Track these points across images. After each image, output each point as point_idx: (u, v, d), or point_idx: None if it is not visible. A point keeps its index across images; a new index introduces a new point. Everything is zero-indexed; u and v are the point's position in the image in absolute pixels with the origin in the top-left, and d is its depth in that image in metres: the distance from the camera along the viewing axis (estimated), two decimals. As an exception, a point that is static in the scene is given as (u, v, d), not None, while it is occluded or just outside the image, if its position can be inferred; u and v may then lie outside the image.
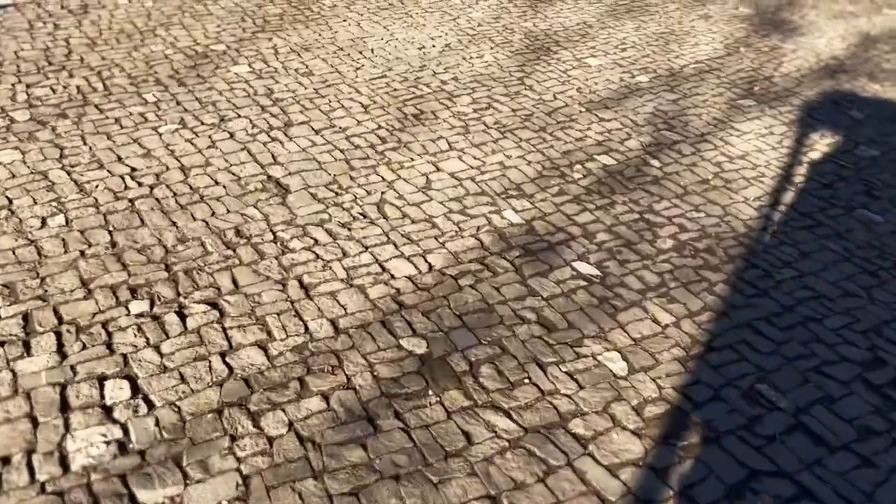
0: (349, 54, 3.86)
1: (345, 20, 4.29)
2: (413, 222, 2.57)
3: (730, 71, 3.92)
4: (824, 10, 4.90)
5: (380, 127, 3.17)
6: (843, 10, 4.91)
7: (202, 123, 3.10)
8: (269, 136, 3.04)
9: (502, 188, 2.80)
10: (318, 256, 2.36)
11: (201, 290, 2.17)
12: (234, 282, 2.22)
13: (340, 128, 3.14)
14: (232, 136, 3.02)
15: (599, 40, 4.22)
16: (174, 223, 2.47)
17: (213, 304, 2.12)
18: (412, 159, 2.95)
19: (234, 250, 2.36)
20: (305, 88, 3.46)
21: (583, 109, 3.43)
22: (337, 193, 2.70)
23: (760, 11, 4.81)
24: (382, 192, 2.73)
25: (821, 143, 3.25)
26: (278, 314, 2.10)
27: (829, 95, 3.70)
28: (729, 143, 3.21)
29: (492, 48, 4.04)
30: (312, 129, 3.12)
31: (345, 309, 2.14)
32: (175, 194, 2.62)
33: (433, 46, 4.02)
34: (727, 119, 3.41)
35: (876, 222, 2.73)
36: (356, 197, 2.69)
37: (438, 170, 2.89)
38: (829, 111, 3.54)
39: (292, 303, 2.15)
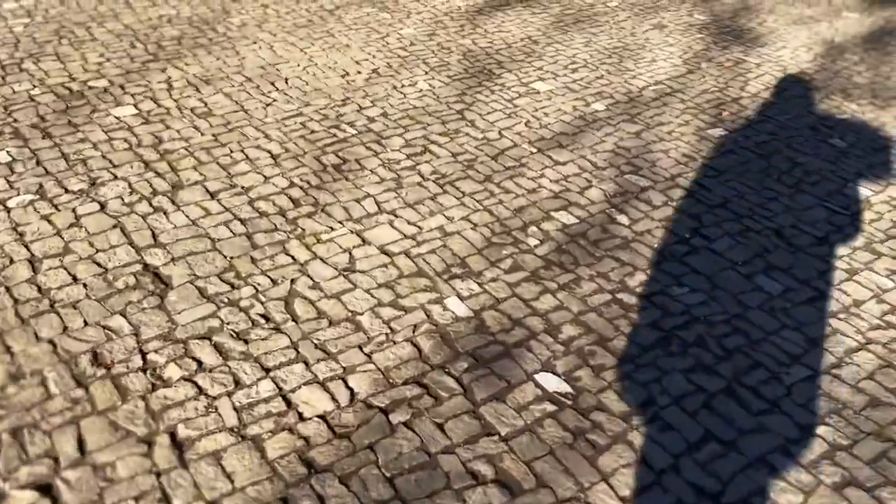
0: (258, 86, 3.21)
1: (255, 42, 3.63)
2: (331, 324, 1.97)
3: (693, 93, 3.41)
4: (782, 14, 4.45)
5: (292, 184, 2.55)
6: (802, 15, 4.46)
7: (66, 191, 2.42)
8: (150, 204, 2.39)
9: (444, 265, 2.22)
10: (200, 391, 1.74)
11: (31, 463, 1.54)
12: (81, 444, 1.59)
13: (243, 188, 2.51)
14: (103, 207, 2.36)
15: (547, 59, 3.66)
16: (8, 349, 1.81)
17: (45, 489, 1.49)
18: (331, 228, 2.34)
19: (87, 388, 1.72)
20: (203, 135, 2.81)
21: (534, 150, 2.87)
22: (233, 286, 2.08)
23: (717, 18, 4.33)
24: (292, 281, 2.11)
25: (806, 183, 2.76)
26: (136, 500, 1.48)
27: (805, 120, 3.22)
28: (704, 186, 2.69)
29: (426, 73, 3.44)
30: (207, 191, 2.48)
31: (231, 481, 1.53)
32: (16, 301, 1.96)
33: (358, 73, 3.39)
34: (698, 154, 2.90)
35: (888, 289, 2.25)
36: (258, 290, 2.07)
37: (364, 242, 2.29)
38: (809, 140, 3.06)
39: (158, 476, 1.53)
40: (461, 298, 2.09)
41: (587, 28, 4.08)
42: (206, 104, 3.03)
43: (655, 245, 2.36)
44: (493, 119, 3.07)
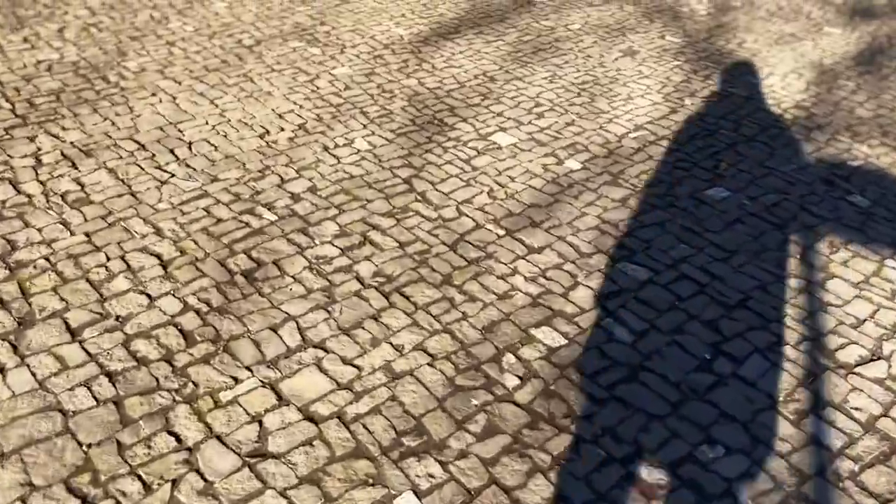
0: (153, 156, 2.50)
1: (154, 94, 2.90)
2: (228, 564, 1.31)
3: (682, 139, 2.82)
4: (761, 33, 3.91)
5: (186, 307, 1.86)
6: (783, 33, 3.92)
7: None
8: (-18, 358, 1.68)
9: (392, 433, 1.57)
10: None
11: None
12: None
13: (118, 318, 1.82)
14: None
15: (507, 101, 3.03)
16: None
17: None
18: (235, 381, 1.67)
19: None
20: (73, 234, 2.10)
21: (501, 231, 2.23)
22: (85, 500, 1.40)
23: (691, 41, 3.76)
24: (174, 483, 1.44)
25: (837, 263, 2.19)
26: None
27: (815, 170, 2.66)
28: (716, 275, 2.10)
29: (365, 126, 2.77)
30: (68, 327, 1.78)
31: None
32: None
33: (281, 130, 2.71)
34: (702, 228, 2.30)
35: (971, 424, 1.68)
36: (123, 505, 1.39)
37: (281, 400, 1.63)
38: (825, 199, 2.49)
39: None
40: (419, 495, 1.44)
41: (549, 58, 3.46)
42: (82, 186, 2.31)
43: (669, 374, 1.75)
44: (449, 188, 2.43)
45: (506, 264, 2.09)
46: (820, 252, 2.22)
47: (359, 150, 2.61)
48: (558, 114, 2.95)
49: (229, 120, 2.75)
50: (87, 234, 2.10)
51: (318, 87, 3.04)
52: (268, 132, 2.69)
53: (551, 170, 2.56)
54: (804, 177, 2.61)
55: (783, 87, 3.28)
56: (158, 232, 2.13)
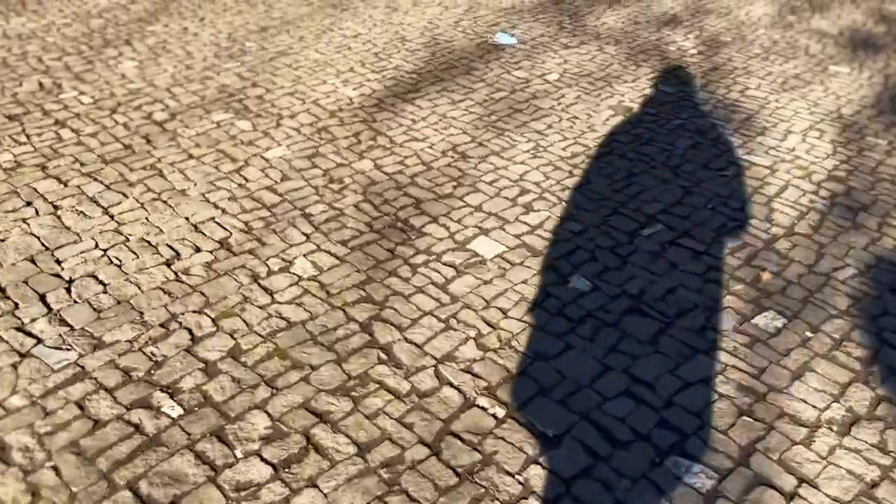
0: (16, 307, 1.76)
1: (29, 204, 2.16)
2: None
3: (706, 235, 2.19)
4: (762, 76, 3.33)
5: None
6: (786, 75, 3.35)
7: None
8: None
9: None
10: None
11: None
12: None
13: None
14: None
15: (485, 188, 2.37)
16: None
17: None
18: None
19: None
20: None
21: (499, 409, 1.57)
22: None
23: (688, 90, 3.15)
24: None
25: (947, 429, 1.59)
26: None
27: (879, 275, 2.07)
28: (801, 474, 1.48)
29: (308, 237, 2.08)
30: None
31: None
32: None
33: (196, 251, 2.00)
34: (762, 384, 1.68)
35: None
36: None
37: None
38: (901, 318, 1.90)
39: None
40: None
41: (529, 122, 2.80)
42: None
43: None
44: (423, 336, 1.75)
45: (513, 475, 1.43)
46: (924, 416, 1.62)
47: (300, 278, 1.92)
48: (550, 204, 2.30)
49: (127, 238, 2.03)
50: None
51: (247, 180, 2.34)
52: (178, 256, 1.98)
53: (554, 294, 1.91)
54: (867, 285, 2.01)
55: (807, 150, 2.70)
56: (3, 453, 1.41)
